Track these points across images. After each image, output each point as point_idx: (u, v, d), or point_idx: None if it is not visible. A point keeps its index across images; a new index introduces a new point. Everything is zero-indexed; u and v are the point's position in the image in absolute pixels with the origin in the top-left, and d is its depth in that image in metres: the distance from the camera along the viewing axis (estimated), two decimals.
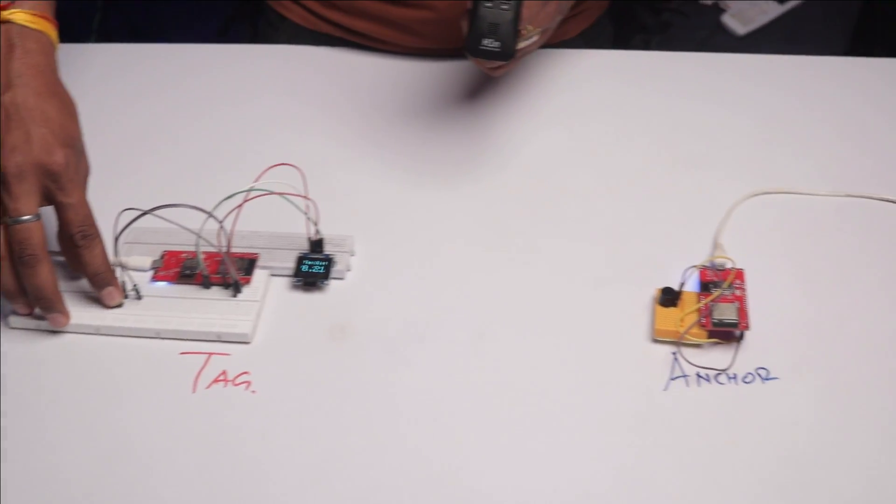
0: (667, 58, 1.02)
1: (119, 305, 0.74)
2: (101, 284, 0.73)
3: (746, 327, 0.71)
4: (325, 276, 0.76)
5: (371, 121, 0.92)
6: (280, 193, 0.73)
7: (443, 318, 0.74)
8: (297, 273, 0.76)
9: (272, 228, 0.79)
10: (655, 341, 0.72)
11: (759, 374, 0.71)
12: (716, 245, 0.79)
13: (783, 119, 0.94)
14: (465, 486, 0.64)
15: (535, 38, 0.81)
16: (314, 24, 1.02)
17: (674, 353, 0.71)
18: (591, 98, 0.95)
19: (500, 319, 0.74)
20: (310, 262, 0.76)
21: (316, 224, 0.76)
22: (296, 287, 0.76)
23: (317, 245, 0.77)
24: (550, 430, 0.67)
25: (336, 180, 0.85)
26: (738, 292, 0.73)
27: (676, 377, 0.70)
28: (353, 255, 0.78)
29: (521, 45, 0.80)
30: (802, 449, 0.66)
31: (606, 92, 0.96)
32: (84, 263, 0.73)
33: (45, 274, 0.70)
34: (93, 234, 0.72)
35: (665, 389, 0.70)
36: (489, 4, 0.77)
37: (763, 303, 0.74)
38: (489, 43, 0.78)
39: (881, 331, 0.74)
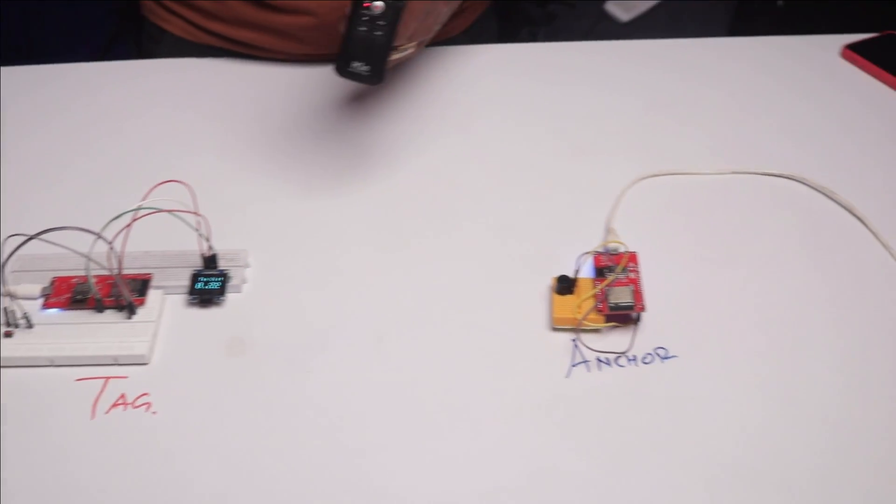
0: (553, 48, 1.03)
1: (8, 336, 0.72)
2: None
3: (642, 309, 0.72)
4: (221, 291, 0.75)
5: (258, 130, 0.91)
6: (169, 210, 0.72)
7: (342, 323, 0.74)
8: (193, 290, 0.75)
9: (164, 247, 0.78)
10: (554, 329, 0.73)
11: (658, 354, 0.72)
12: (608, 230, 0.80)
13: (669, 102, 0.96)
14: (377, 487, 0.64)
15: (410, 51, 0.82)
16: (196, 36, 1.01)
17: (573, 340, 0.72)
18: (479, 93, 0.96)
19: (400, 321, 0.74)
20: (205, 279, 0.75)
21: (208, 240, 0.75)
22: (192, 304, 0.75)
23: (210, 261, 0.76)
24: (457, 425, 0.67)
25: (226, 194, 0.84)
26: (632, 275, 0.74)
27: (577, 363, 0.71)
28: (248, 268, 0.78)
29: (396, 56, 0.80)
30: (704, 423, 0.67)
31: (493, 86, 0.97)
32: None
33: None
34: None
35: (567, 377, 0.70)
36: (363, 28, 0.76)
37: (657, 283, 0.75)
38: (358, 66, 0.76)
39: (773, 302, 0.76)
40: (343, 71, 0.76)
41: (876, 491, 0.63)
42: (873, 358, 0.72)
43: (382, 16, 0.77)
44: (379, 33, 0.77)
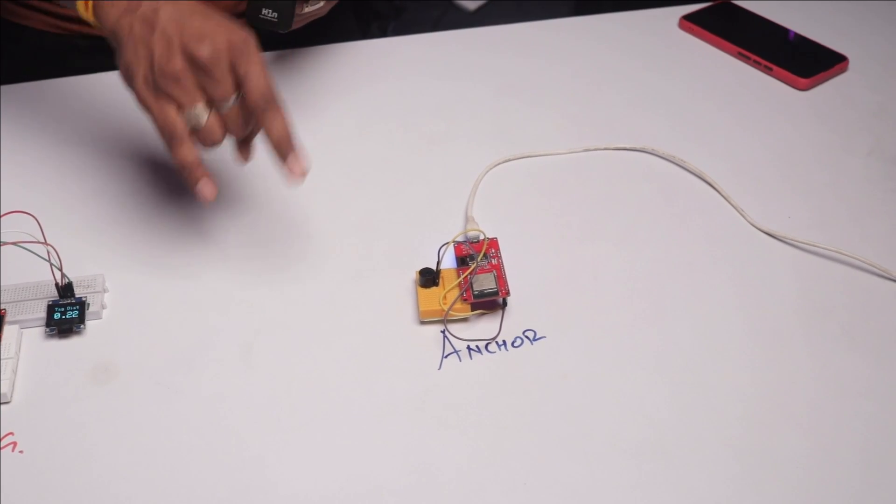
0: (403, 42, 1.03)
1: None
2: None
3: (507, 293, 0.73)
4: (81, 319, 0.73)
5: (99, 149, 0.88)
6: (13, 243, 0.70)
7: (208, 338, 0.73)
8: (50, 322, 0.73)
9: (15, 280, 0.75)
10: (422, 323, 0.73)
11: (528, 337, 0.73)
12: (467, 218, 0.80)
13: (518, 85, 0.97)
14: (260, 499, 0.63)
15: (321, 5, 0.84)
16: (59, 27, 0.96)
17: (442, 332, 0.72)
18: (329, 92, 0.95)
19: (266, 329, 0.73)
20: (61, 309, 0.73)
21: (60, 269, 0.73)
22: (51, 336, 0.73)
23: (66, 290, 0.74)
24: (334, 428, 0.67)
25: (73, 219, 0.81)
26: (494, 261, 0.75)
27: (448, 354, 0.71)
28: (106, 293, 0.75)
29: (308, 9, 0.82)
30: (579, 400, 0.68)
31: (344, 83, 0.96)
32: None
33: None
34: None
35: (439, 369, 0.70)
36: None
37: (521, 267, 0.76)
38: (268, 13, 0.79)
39: (635, 274, 0.77)
40: (254, 18, 0.79)
41: (741, 442, 0.65)
42: (733, 317, 0.74)
43: None
44: None
